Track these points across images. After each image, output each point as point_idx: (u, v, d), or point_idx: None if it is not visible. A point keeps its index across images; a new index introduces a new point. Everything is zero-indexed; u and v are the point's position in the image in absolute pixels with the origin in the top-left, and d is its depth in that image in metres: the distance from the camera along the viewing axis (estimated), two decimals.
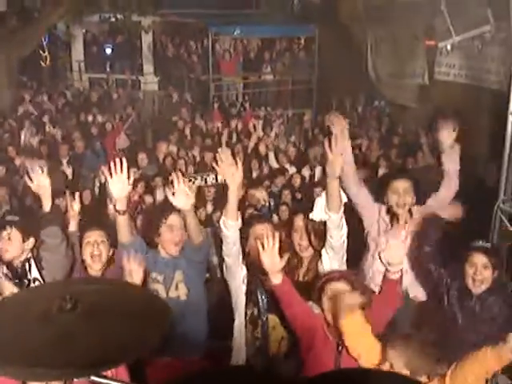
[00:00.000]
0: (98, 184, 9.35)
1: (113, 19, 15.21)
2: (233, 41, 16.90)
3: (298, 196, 9.07)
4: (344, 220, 4.06)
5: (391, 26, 12.68)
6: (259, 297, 4.04)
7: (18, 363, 1.30)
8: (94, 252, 4.26)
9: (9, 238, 4.21)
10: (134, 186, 8.81)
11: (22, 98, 14.12)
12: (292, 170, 10.25)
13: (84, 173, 10.38)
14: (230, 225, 3.93)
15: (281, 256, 3.60)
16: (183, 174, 4.66)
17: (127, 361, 1.38)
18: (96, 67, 17.57)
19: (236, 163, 3.96)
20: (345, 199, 4.13)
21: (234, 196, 3.91)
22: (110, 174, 4.02)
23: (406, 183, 4.62)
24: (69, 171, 9.91)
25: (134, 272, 3.77)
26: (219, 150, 4.55)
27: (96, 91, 15.92)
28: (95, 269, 4.24)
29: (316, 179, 9.94)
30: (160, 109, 15.95)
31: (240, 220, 4.02)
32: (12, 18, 14.25)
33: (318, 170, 10.41)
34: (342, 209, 4.02)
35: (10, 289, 3.96)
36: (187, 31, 17.72)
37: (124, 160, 4.03)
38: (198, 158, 10.84)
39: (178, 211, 4.29)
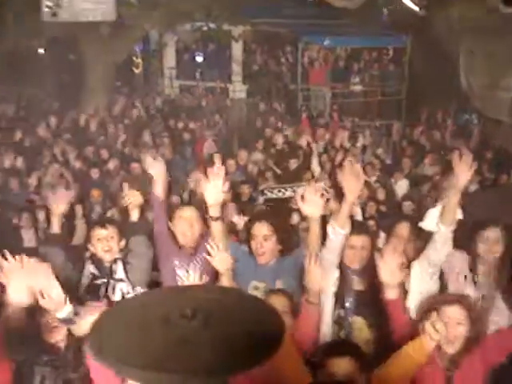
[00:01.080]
0: (187, 190, 9.45)
1: (205, 28, 15.48)
2: (322, 50, 16.89)
3: (383, 209, 8.89)
4: (451, 238, 3.93)
5: (486, 36, 12.30)
6: (346, 299, 3.99)
7: (141, 366, 1.32)
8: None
9: (111, 237, 4.31)
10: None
11: (115, 103, 14.60)
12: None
13: (173, 178, 10.53)
14: (338, 232, 3.91)
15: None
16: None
17: (248, 370, 1.36)
18: (186, 74, 17.99)
19: (359, 175, 3.91)
20: (460, 216, 3.99)
21: (348, 206, 3.88)
22: (207, 179, 4.01)
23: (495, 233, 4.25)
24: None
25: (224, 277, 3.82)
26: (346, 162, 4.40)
27: (186, 98, 16.27)
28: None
29: (402, 193, 9.76)
30: (247, 117, 16.12)
31: (348, 229, 3.96)
32: (107, 25, 14.76)
33: (403, 183, 10.22)
34: (454, 225, 3.89)
35: None
36: (277, 40, 17.85)
37: (222, 167, 4.03)
38: (289, 168, 10.79)
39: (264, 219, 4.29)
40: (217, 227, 4.06)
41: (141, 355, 1.35)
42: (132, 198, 4.49)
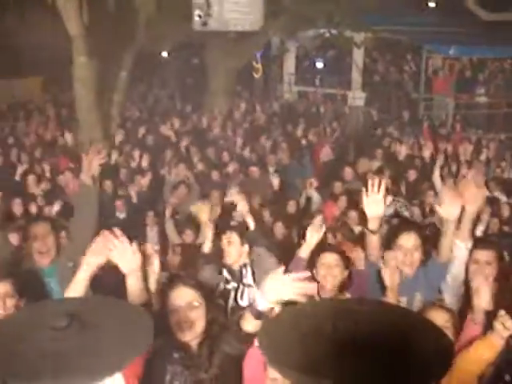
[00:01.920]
0: (304, 195, 9.46)
1: (327, 35, 15.48)
2: (447, 60, 16.41)
3: (505, 228, 8.46)
4: None
5: None
6: None
7: (302, 370, 1.35)
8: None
9: (229, 242, 4.42)
10: (337, 199, 8.97)
11: (236, 107, 14.91)
12: (502, 198, 9.62)
13: (290, 183, 10.59)
14: (461, 247, 3.84)
15: None
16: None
17: None
18: (305, 80, 18.07)
19: (481, 186, 3.81)
20: None
21: (469, 219, 3.77)
22: (366, 193, 3.98)
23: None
24: (275, 181, 10.14)
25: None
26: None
27: (303, 104, 16.33)
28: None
29: None
30: (365, 124, 15.95)
31: (471, 243, 3.83)
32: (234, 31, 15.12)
33: None
34: None
35: None
36: (399, 48, 17.56)
37: (381, 180, 3.98)
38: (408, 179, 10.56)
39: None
40: (374, 240, 4.04)
41: (303, 360, 1.37)
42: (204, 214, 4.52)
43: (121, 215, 9.02)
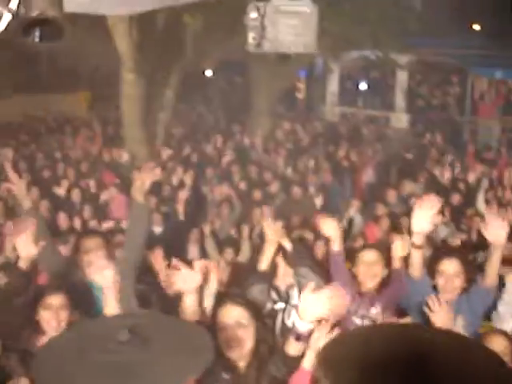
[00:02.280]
0: (346, 216, 9.42)
1: (372, 57, 15.46)
2: (492, 83, 16.22)
3: None
4: None
5: None
6: None
7: None
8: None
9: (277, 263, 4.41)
10: (379, 221, 8.91)
11: (279, 126, 14.97)
12: None
13: (331, 204, 10.54)
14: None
15: None
16: None
17: None
18: (348, 101, 18.07)
19: None
20: None
21: None
22: (419, 206, 3.98)
23: None
24: (318, 200, 10.13)
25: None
26: None
27: (346, 125, 16.30)
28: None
29: None
30: (408, 147, 15.81)
31: None
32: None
33: None
34: None
35: None
36: (444, 71, 17.44)
37: (435, 199, 3.98)
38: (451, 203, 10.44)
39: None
40: (417, 256, 4.01)
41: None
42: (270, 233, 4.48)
43: (157, 229, 9.11)
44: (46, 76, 19.60)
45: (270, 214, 9.47)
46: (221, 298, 3.30)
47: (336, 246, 4.34)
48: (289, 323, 4.19)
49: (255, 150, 13.30)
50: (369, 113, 17.31)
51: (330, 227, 4.36)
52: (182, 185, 10.40)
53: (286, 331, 4.00)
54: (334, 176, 11.71)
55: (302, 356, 2.80)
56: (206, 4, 8.63)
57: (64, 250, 7.23)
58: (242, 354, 2.94)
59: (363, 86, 18.22)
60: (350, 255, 4.57)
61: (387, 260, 4.41)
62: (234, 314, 2.97)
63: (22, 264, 3.68)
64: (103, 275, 3.09)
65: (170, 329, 1.73)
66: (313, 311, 2.70)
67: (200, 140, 14.31)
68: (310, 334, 2.76)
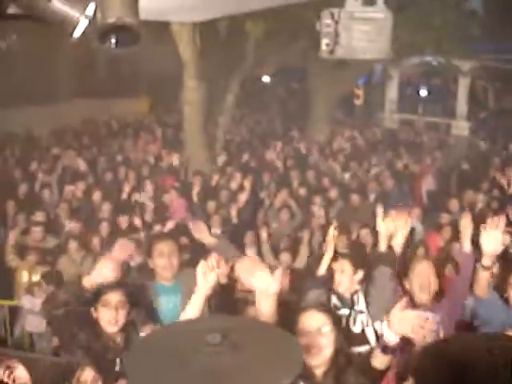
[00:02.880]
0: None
1: (434, 62, 15.23)
2: None
3: None
4: None
5: None
6: None
7: None
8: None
9: (341, 271, 4.38)
10: (441, 230, 8.74)
11: (337, 133, 14.90)
12: None
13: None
14: None
15: None
16: None
17: None
18: (408, 108, 17.83)
19: None
20: None
21: None
22: (484, 229, 3.94)
23: None
24: (379, 210, 9.96)
25: None
26: None
27: (405, 132, 16.09)
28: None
29: None
30: (469, 155, 15.49)
31: None
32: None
33: None
34: None
35: None
36: (508, 77, 17.01)
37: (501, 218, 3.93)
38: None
39: None
40: (485, 276, 3.99)
41: None
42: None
43: (216, 232, 9.18)
44: (107, 81, 20.08)
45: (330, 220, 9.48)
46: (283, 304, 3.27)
47: (466, 246, 4.22)
48: (355, 328, 4.17)
49: (313, 156, 13.28)
50: (429, 120, 17.03)
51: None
52: (240, 189, 10.47)
53: (353, 337, 3.98)
54: (394, 183, 11.57)
55: (387, 369, 2.78)
56: (268, 12, 8.68)
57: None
58: (320, 362, 2.91)
59: (423, 92, 17.94)
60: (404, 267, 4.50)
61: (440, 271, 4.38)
62: (316, 321, 2.96)
63: (87, 284, 3.77)
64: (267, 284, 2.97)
65: (261, 334, 1.74)
66: (405, 326, 2.67)
67: (258, 145, 14.38)
68: (397, 347, 2.74)
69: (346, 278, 4.38)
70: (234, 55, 11.95)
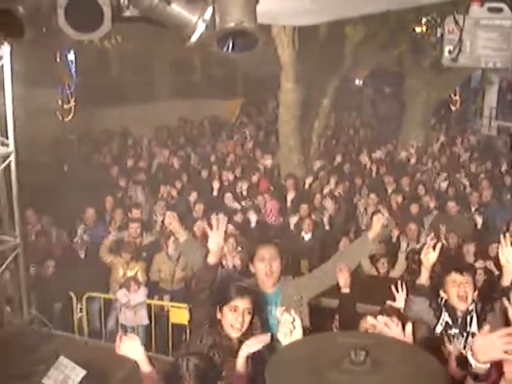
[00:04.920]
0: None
1: None
2: None
3: None
4: None
5: None
6: None
7: None
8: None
9: (466, 283, 4.14)
10: None
11: (433, 139, 14.51)
12: None
13: (490, 224, 9.97)
14: None
15: None
16: None
17: None
18: (507, 115, 17.13)
19: None
20: None
21: None
22: None
23: None
24: (479, 220, 9.63)
25: None
26: None
27: (504, 139, 15.47)
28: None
29: None
30: None
31: None
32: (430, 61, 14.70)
33: None
34: None
35: None
36: None
37: None
38: None
39: None
40: None
41: None
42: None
43: (307, 236, 9.13)
44: (201, 82, 20.46)
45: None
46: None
47: None
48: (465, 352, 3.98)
49: (409, 161, 13.00)
50: None
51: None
52: (331, 194, 10.38)
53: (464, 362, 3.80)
54: (494, 194, 11.13)
55: None
56: (368, 16, 8.56)
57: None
58: None
59: None
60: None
61: None
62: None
63: (211, 259, 3.83)
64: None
65: (400, 352, 1.69)
66: (489, 353, 2.54)
67: (351, 150, 14.24)
68: (489, 372, 2.62)
69: (456, 292, 4.14)
70: (332, 59, 11.86)
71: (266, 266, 4.31)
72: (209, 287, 3.78)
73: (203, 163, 12.92)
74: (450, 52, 3.44)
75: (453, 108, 17.67)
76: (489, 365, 2.59)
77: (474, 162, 13.36)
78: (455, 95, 17.56)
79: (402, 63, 14.76)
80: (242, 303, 3.66)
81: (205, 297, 3.77)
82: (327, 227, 9.58)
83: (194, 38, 3.23)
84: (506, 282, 4.01)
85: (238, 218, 9.45)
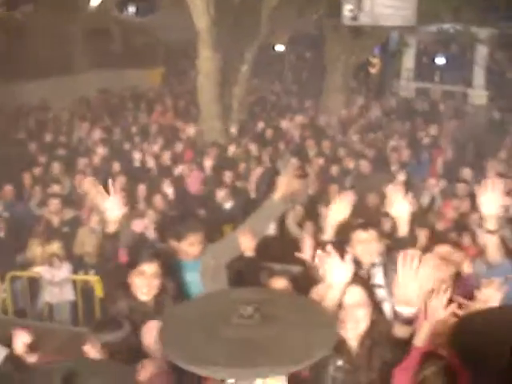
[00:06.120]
0: (426, 195, 9.25)
1: (451, 30, 14.94)
2: None
3: None
4: None
5: None
6: None
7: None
8: None
9: (371, 240, 4.27)
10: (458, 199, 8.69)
11: (352, 103, 14.76)
12: None
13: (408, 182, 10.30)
14: None
15: None
16: None
17: None
18: (424, 77, 17.58)
19: None
20: None
21: None
22: (485, 190, 3.83)
23: None
24: (401, 179, 9.91)
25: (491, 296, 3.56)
26: None
27: (422, 101, 15.91)
28: None
29: None
30: (486, 124, 15.30)
31: None
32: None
33: None
34: None
35: None
36: None
37: (498, 180, 3.85)
38: None
39: None
40: (492, 241, 3.89)
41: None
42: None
43: (227, 205, 9.13)
44: (121, 52, 19.95)
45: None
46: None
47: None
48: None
49: (329, 125, 13.18)
50: (446, 88, 16.77)
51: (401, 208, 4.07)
52: (257, 161, 10.40)
53: None
54: (411, 153, 11.47)
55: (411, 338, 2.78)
56: None
57: (141, 224, 7.45)
58: (356, 335, 2.93)
59: (441, 60, 17.64)
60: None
61: None
62: (353, 294, 2.94)
63: (110, 228, 3.78)
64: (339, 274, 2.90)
65: (295, 306, 1.73)
66: (409, 299, 2.68)
67: (273, 116, 14.29)
68: (416, 315, 2.75)
69: (369, 249, 4.28)
70: (249, 24, 11.79)
71: (195, 250, 4.34)
72: (112, 258, 3.75)
73: (125, 135, 12.69)
74: (350, 11, 3.47)
75: (372, 71, 18.00)
76: (414, 309, 2.72)
77: (392, 123, 13.68)
78: (374, 58, 17.90)
79: (320, 28, 14.86)
80: (149, 268, 3.66)
81: (111, 267, 3.74)
82: (253, 195, 9.58)
83: (94, 3, 3.16)
84: (401, 233, 4.12)
85: (163, 188, 9.37)
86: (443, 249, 4.32)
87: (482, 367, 1.37)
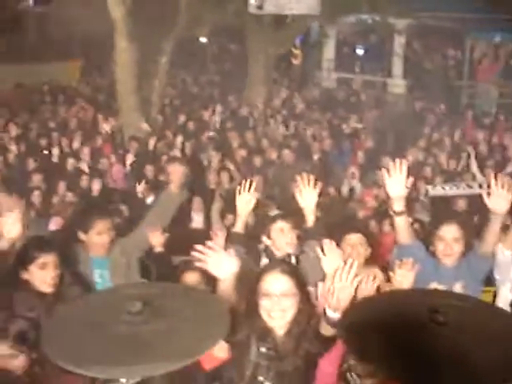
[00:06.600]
0: (346, 184, 9.39)
1: (369, 21, 15.20)
2: (491, 47, 16.01)
3: None
4: None
5: None
6: None
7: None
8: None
9: (288, 230, 4.24)
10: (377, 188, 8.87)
11: (275, 94, 14.81)
12: None
13: (330, 171, 10.44)
14: (504, 253, 4.10)
15: None
16: None
17: None
18: (345, 67, 17.84)
19: None
20: None
21: None
22: (389, 173, 3.88)
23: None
24: (322, 166, 10.04)
25: (405, 277, 3.61)
26: None
27: (343, 91, 16.15)
28: None
29: None
30: (405, 113, 15.66)
31: None
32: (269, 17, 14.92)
33: None
34: None
35: None
36: (443, 35, 17.17)
37: (405, 161, 3.91)
38: (444, 166, 10.55)
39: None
40: (401, 222, 3.95)
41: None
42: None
43: (149, 199, 8.96)
44: (35, 44, 19.27)
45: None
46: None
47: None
48: None
49: (252, 117, 13.18)
50: (366, 78, 17.07)
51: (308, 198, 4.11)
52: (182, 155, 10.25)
53: None
54: (333, 143, 11.63)
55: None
56: None
57: (57, 221, 7.21)
58: (283, 324, 2.88)
59: (360, 51, 17.95)
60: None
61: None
62: (280, 283, 2.88)
63: (3, 244, 3.56)
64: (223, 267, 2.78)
65: (184, 298, 1.66)
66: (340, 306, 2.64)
67: (196, 108, 14.15)
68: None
69: (284, 239, 4.27)
70: (167, 15, 11.57)
71: (104, 240, 4.24)
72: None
73: (42, 130, 12.26)
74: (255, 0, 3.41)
75: (295, 62, 18.10)
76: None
77: (314, 113, 13.82)
78: (296, 49, 18.01)
79: (240, 19, 14.79)
80: (49, 258, 3.59)
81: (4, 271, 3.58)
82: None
83: None
84: (309, 223, 4.14)
85: (82, 184, 9.11)
86: (353, 236, 4.40)
87: (367, 357, 1.34)
